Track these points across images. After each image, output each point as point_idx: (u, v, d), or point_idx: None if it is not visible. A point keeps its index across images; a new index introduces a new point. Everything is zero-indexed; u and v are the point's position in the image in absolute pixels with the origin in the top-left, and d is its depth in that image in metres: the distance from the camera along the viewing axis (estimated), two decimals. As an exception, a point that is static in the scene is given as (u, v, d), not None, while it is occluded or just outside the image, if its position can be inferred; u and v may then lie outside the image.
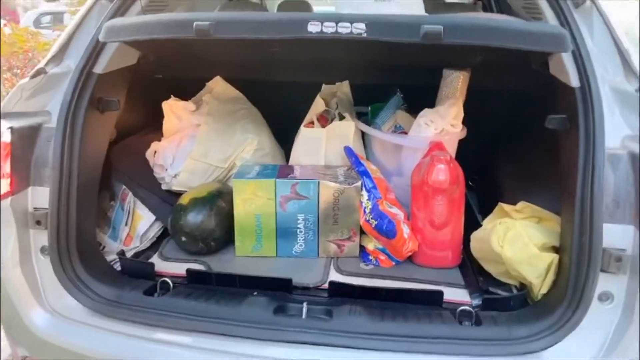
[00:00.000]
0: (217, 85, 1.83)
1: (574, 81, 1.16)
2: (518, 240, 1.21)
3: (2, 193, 1.23)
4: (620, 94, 1.15)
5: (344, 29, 1.10)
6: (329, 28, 1.11)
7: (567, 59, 1.19)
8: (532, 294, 1.22)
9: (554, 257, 1.17)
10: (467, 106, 1.62)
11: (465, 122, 1.61)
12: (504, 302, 1.22)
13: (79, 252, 1.27)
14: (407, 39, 1.10)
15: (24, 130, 1.24)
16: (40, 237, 1.26)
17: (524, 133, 1.63)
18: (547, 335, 1.05)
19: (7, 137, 1.21)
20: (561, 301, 1.08)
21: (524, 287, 1.26)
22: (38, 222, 1.25)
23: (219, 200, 1.54)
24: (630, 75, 1.18)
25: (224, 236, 1.53)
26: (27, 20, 9.49)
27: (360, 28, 1.10)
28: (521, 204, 1.35)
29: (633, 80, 1.17)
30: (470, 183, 1.92)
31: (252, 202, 1.48)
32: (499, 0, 1.99)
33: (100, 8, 1.42)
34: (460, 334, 1.09)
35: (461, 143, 1.64)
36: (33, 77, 1.33)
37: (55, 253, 1.23)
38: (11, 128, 1.22)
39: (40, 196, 1.25)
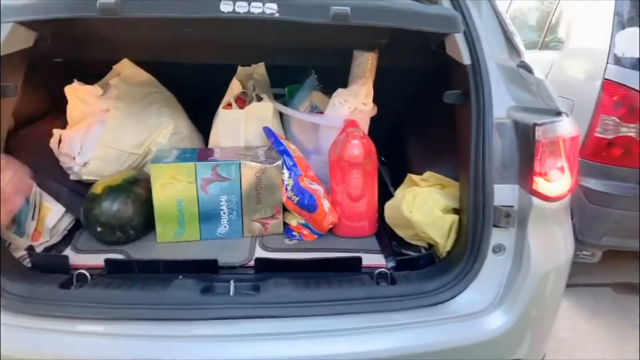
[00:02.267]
0: (126, 68, 1.75)
1: (466, 59, 1.30)
2: (424, 205, 1.34)
3: None
4: (505, 70, 1.30)
5: (257, 9, 1.12)
6: (242, 8, 1.12)
7: (460, 39, 1.32)
8: (438, 252, 1.36)
9: (455, 217, 1.32)
10: (377, 85, 1.72)
11: (376, 100, 1.72)
12: (414, 261, 1.35)
13: None
14: (318, 19, 1.15)
15: None
16: None
17: (428, 109, 1.77)
18: (451, 287, 1.19)
19: None
20: (462, 256, 1.22)
21: (431, 247, 1.39)
22: None
23: (135, 187, 1.49)
24: (513, 53, 1.33)
25: (143, 223, 1.49)
26: None
27: (272, 8, 1.13)
28: (427, 174, 1.49)
29: (515, 57, 1.32)
30: (383, 158, 2.06)
31: (172, 187, 1.45)
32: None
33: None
34: (377, 294, 1.19)
35: (373, 120, 1.75)
36: None
37: None
38: None
39: None
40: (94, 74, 1.74)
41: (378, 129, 1.73)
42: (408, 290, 1.20)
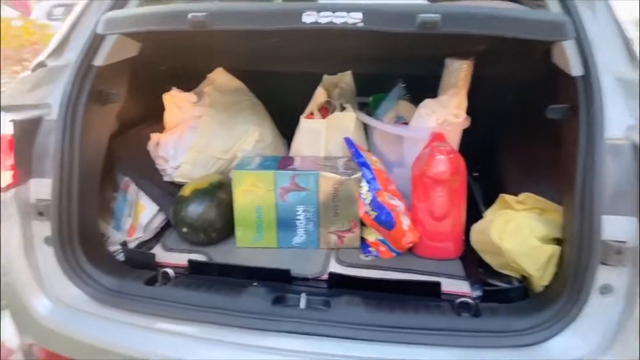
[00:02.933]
0: (219, 77, 1.83)
1: (576, 70, 1.14)
2: (518, 232, 1.20)
3: (5, 185, 1.25)
4: (624, 83, 1.12)
5: (340, 18, 1.09)
6: (324, 18, 1.10)
7: (568, 47, 1.17)
8: (532, 286, 1.21)
9: (555, 249, 1.16)
10: (471, 95, 1.60)
11: (469, 111, 1.59)
12: (503, 293, 1.21)
13: (82, 243, 1.29)
14: (404, 28, 1.09)
15: (25, 123, 1.25)
16: (44, 228, 1.28)
17: (528, 122, 1.60)
18: (546, 328, 1.04)
19: (9, 130, 1.23)
20: (561, 293, 1.07)
21: (524, 279, 1.24)
22: (40, 213, 1.26)
23: (219, 191, 1.55)
24: (634, 64, 1.15)
25: (225, 227, 1.53)
26: (39, 12, 9.58)
27: (356, 18, 1.09)
28: (523, 195, 1.33)
29: (636, 69, 1.13)
30: (475, 174, 1.91)
31: (252, 194, 1.48)
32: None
33: (101, 1, 1.42)
34: (458, 326, 1.09)
35: (465, 133, 1.62)
36: (34, 70, 1.34)
37: (57, 243, 1.25)
38: (13, 121, 1.23)
39: (42, 188, 1.27)
40: (190, 81, 1.85)
41: (470, 143, 1.60)
42: (495, 325, 1.08)
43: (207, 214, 1.50)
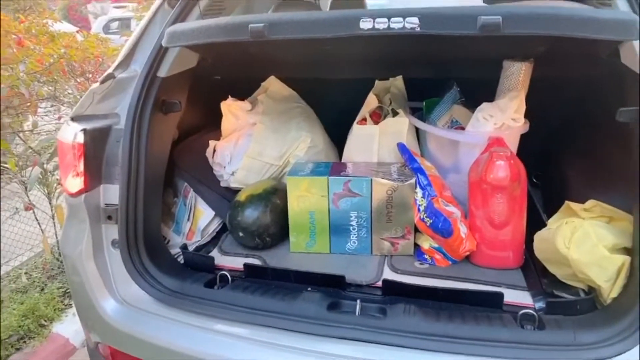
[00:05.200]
0: (272, 85, 1.87)
1: None
2: (586, 241, 1.14)
3: (76, 190, 1.33)
4: None
5: (397, 24, 1.09)
6: (381, 24, 1.10)
7: (639, 46, 1.10)
8: (600, 298, 1.14)
9: (626, 259, 1.09)
10: (529, 98, 1.54)
11: (527, 115, 1.54)
12: (569, 305, 1.15)
13: (146, 245, 1.36)
14: (464, 31, 1.07)
15: (96, 131, 1.34)
16: (111, 231, 1.35)
17: (592, 126, 1.52)
18: (616, 342, 0.98)
19: (80, 139, 1.31)
20: (632, 306, 1.00)
21: (592, 290, 1.18)
22: (109, 217, 1.34)
23: (273, 197, 1.58)
24: None
25: (279, 232, 1.56)
26: (98, 26, 10.19)
27: (413, 23, 1.08)
28: (590, 202, 1.26)
29: None
30: (534, 179, 1.83)
31: (305, 199, 1.50)
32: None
33: (163, 14, 1.49)
34: (521, 338, 1.04)
35: (524, 137, 1.56)
36: (103, 82, 1.43)
37: (124, 246, 1.32)
38: (84, 130, 1.31)
39: (111, 193, 1.35)
40: (244, 90, 1.90)
41: (529, 147, 1.55)
42: (561, 339, 1.03)
43: (261, 219, 1.53)
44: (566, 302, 1.18)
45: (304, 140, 1.73)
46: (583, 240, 1.14)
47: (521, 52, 1.56)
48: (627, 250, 1.13)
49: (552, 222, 1.30)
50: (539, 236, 1.30)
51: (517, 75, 1.53)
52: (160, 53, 1.40)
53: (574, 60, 1.50)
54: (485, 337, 1.06)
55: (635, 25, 1.03)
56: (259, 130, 1.74)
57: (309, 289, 1.29)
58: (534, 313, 1.12)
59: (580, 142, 1.62)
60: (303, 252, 1.54)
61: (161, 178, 1.46)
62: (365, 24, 1.10)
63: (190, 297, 1.27)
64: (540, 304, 1.20)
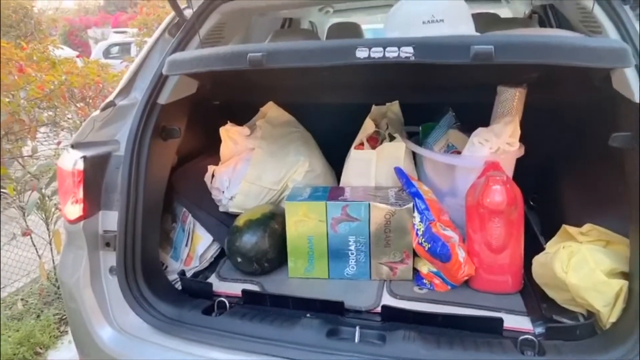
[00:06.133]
0: (270, 110, 1.90)
1: (638, 96, 1.10)
2: (584, 266, 1.14)
3: (75, 217, 1.33)
4: None
5: (392, 53, 1.12)
6: (377, 53, 1.12)
7: (630, 73, 1.13)
8: (600, 322, 1.14)
9: (624, 283, 1.09)
10: (525, 123, 1.56)
11: (523, 139, 1.56)
12: (569, 330, 1.15)
13: (144, 272, 1.35)
14: (457, 60, 1.09)
15: (95, 158, 1.35)
16: (109, 258, 1.35)
17: (587, 150, 1.54)
18: None
19: (80, 166, 1.32)
20: (632, 330, 1.00)
21: (591, 315, 1.18)
22: (107, 244, 1.34)
23: (272, 222, 1.58)
24: None
25: (277, 257, 1.56)
26: (98, 51, 10.34)
27: (408, 52, 1.11)
28: (587, 226, 1.27)
29: None
30: (532, 203, 1.84)
31: (304, 224, 1.50)
32: (556, 14, 1.93)
33: (163, 43, 1.53)
34: None
35: (520, 161, 1.58)
36: (103, 109, 1.45)
37: (122, 273, 1.32)
38: (84, 157, 1.33)
39: (109, 219, 1.35)
40: (243, 115, 1.92)
41: (526, 171, 1.56)
42: None
43: (260, 244, 1.53)
44: (566, 327, 1.17)
45: (302, 165, 1.74)
46: (580, 265, 1.14)
47: (515, 78, 1.59)
48: (624, 275, 1.14)
49: (549, 246, 1.30)
50: (537, 261, 1.30)
51: (511, 101, 1.56)
52: (160, 81, 1.43)
53: (567, 86, 1.53)
54: None
55: (626, 53, 1.06)
56: (257, 155, 1.76)
57: (308, 315, 1.28)
58: (534, 339, 1.11)
59: (575, 166, 1.64)
60: (302, 277, 1.53)
61: (160, 204, 1.47)
62: (361, 53, 1.13)
63: (188, 324, 1.26)
64: (540, 329, 1.20)
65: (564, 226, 1.31)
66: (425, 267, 1.44)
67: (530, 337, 1.12)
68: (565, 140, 1.71)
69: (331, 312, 1.31)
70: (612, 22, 1.25)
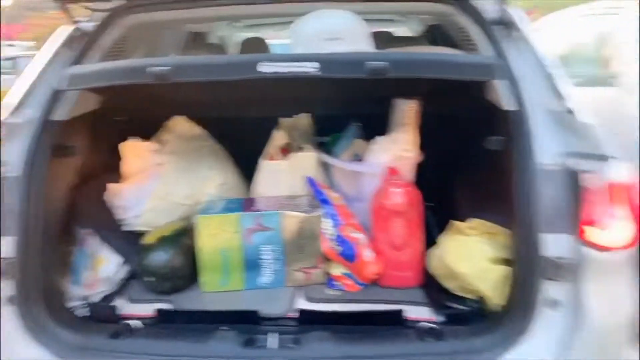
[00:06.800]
0: (179, 124, 1.87)
1: (508, 105, 1.27)
2: (470, 256, 1.28)
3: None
4: (552, 115, 1.25)
5: (296, 68, 1.18)
6: (282, 68, 1.19)
7: (500, 85, 1.31)
8: (488, 306, 1.28)
9: (506, 269, 1.25)
10: (423, 132, 1.71)
11: (422, 147, 1.70)
12: (462, 316, 1.28)
13: (45, 300, 1.26)
14: (356, 74, 1.19)
15: None
16: (8, 287, 1.24)
17: (473, 154, 1.73)
18: (502, 344, 1.11)
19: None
20: (514, 311, 1.14)
21: (481, 300, 1.32)
22: (5, 273, 1.23)
23: (184, 237, 1.56)
24: (559, 97, 1.29)
25: (192, 273, 1.53)
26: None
27: (311, 67, 1.18)
28: (474, 222, 1.43)
29: (561, 101, 1.28)
30: (432, 204, 2.01)
31: (217, 237, 1.50)
32: (443, 34, 2.14)
33: (59, 56, 1.45)
34: (422, 350, 1.14)
35: (421, 167, 1.72)
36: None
37: (22, 303, 1.22)
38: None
39: (7, 246, 1.24)
40: (149, 130, 1.88)
41: (426, 176, 1.71)
42: (456, 347, 1.14)
43: (172, 261, 1.50)
44: (460, 313, 1.30)
45: (215, 179, 1.74)
46: (468, 255, 1.28)
47: (409, 91, 1.75)
48: (507, 262, 1.29)
49: (441, 241, 1.44)
50: (431, 254, 1.44)
51: (406, 112, 1.70)
52: (56, 96, 1.36)
53: (454, 98, 1.71)
54: (390, 354, 1.14)
55: (494, 67, 1.23)
56: (167, 170, 1.73)
57: (224, 328, 1.28)
58: (433, 326, 1.22)
59: (464, 169, 1.83)
60: (217, 291, 1.53)
61: (59, 226, 1.39)
62: (267, 68, 1.18)
63: (95, 350, 1.20)
64: (439, 317, 1.31)
65: (453, 222, 1.46)
66: (337, 270, 1.51)
67: (430, 325, 1.23)
68: (455, 146, 1.90)
69: (247, 322, 1.32)
70: (487, 40, 1.44)
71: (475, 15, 1.48)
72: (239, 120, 1.95)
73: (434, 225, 1.87)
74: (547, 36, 3.72)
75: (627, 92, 2.56)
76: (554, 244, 1.11)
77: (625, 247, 1.11)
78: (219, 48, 2.49)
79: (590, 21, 3.27)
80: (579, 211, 1.09)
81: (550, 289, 1.11)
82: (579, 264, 1.09)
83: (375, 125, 1.78)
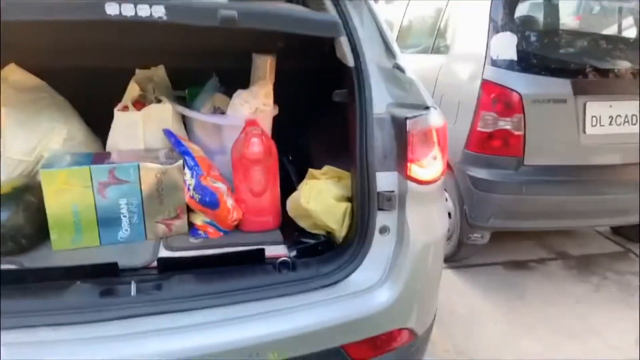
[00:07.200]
0: (13, 74, 1.66)
1: (351, 62, 1.43)
2: (320, 195, 1.44)
3: None
4: (384, 71, 1.44)
5: (144, 11, 1.15)
6: (128, 11, 1.15)
7: (345, 43, 1.45)
8: (335, 238, 1.46)
9: (348, 205, 1.44)
10: (280, 87, 1.80)
11: (280, 101, 1.80)
12: (313, 248, 1.45)
13: None
14: (206, 22, 1.21)
15: None
16: None
17: (325, 108, 1.89)
18: (345, 267, 1.30)
19: None
20: (354, 239, 1.34)
21: (329, 234, 1.50)
22: None
23: (26, 194, 1.43)
24: (390, 55, 1.48)
25: (37, 232, 1.43)
26: None
27: (159, 12, 1.16)
28: (325, 168, 1.60)
29: (392, 59, 1.47)
30: (290, 157, 2.14)
31: (66, 192, 1.42)
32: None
33: None
34: (278, 280, 1.27)
35: (279, 121, 1.82)
36: None
37: None
38: None
39: None
40: None
41: (284, 129, 1.81)
42: (307, 274, 1.29)
43: (13, 219, 1.38)
44: (311, 246, 1.47)
45: (59, 133, 1.61)
46: (318, 195, 1.44)
47: (266, 46, 1.81)
48: (350, 200, 1.48)
49: (299, 187, 1.58)
50: (290, 198, 1.57)
51: (264, 67, 1.77)
52: None
53: (307, 55, 1.82)
54: (251, 285, 1.24)
55: (339, 26, 1.36)
56: (1, 124, 1.54)
57: (79, 282, 1.25)
58: (288, 260, 1.36)
59: (318, 122, 1.98)
60: (69, 249, 1.45)
61: None
62: (111, 10, 1.13)
63: None
64: (294, 252, 1.46)
65: (310, 169, 1.61)
66: (199, 219, 1.56)
67: (286, 259, 1.36)
68: (310, 101, 2.04)
69: (105, 275, 1.30)
70: (332, 2, 1.56)
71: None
72: (90, 71, 1.80)
73: (296, 174, 2.02)
74: (398, 7, 4.10)
75: (455, 59, 2.98)
76: (385, 181, 1.32)
77: (437, 180, 1.37)
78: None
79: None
80: (404, 152, 1.30)
81: (382, 218, 1.32)
82: (403, 195, 1.31)
83: (235, 79, 1.82)
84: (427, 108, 1.35)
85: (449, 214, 2.84)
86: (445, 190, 2.83)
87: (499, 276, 2.87)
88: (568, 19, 4.07)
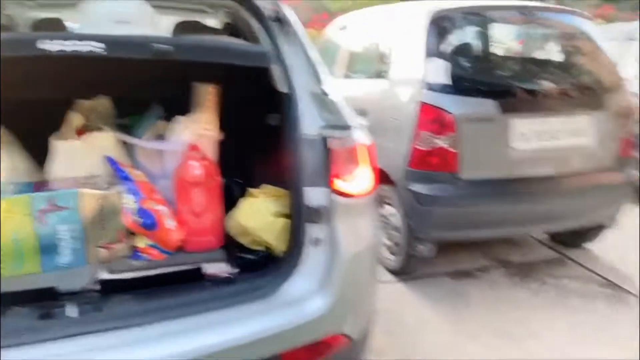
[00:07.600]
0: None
1: (283, 87, 1.54)
2: (257, 213, 1.53)
3: None
4: (314, 96, 1.56)
5: (83, 47, 1.23)
6: (66, 46, 1.22)
7: (277, 71, 1.57)
8: (274, 253, 1.54)
9: (285, 220, 1.52)
10: (227, 113, 1.88)
11: (228, 126, 1.88)
12: (253, 264, 1.52)
13: None
14: (142, 55, 1.30)
15: None
16: None
17: (265, 132, 2.00)
18: (280, 279, 1.37)
19: None
20: (289, 251, 1.42)
21: (268, 249, 1.58)
22: None
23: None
24: (318, 81, 1.61)
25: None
26: None
27: (98, 46, 1.25)
28: (264, 187, 1.69)
29: (319, 85, 1.60)
30: (237, 180, 2.22)
31: (6, 222, 1.43)
32: (236, 27, 2.36)
33: None
34: (214, 295, 1.34)
35: (227, 145, 1.89)
36: None
37: None
38: None
39: None
40: None
41: (231, 153, 1.89)
42: (242, 288, 1.36)
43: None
44: (250, 262, 1.54)
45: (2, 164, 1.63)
46: (256, 213, 1.53)
47: (207, 75, 1.91)
48: (287, 216, 1.57)
49: (237, 205, 1.66)
50: (229, 216, 1.65)
51: (205, 95, 1.86)
52: None
53: (246, 82, 1.93)
54: (190, 301, 1.30)
55: (267, 56, 1.47)
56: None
57: (17, 307, 1.27)
58: (229, 276, 1.43)
59: (257, 144, 2.08)
60: (9, 276, 1.46)
61: None
62: (46, 45, 1.20)
63: None
64: (235, 269, 1.53)
65: (249, 189, 1.70)
66: (142, 242, 1.60)
67: (226, 275, 1.43)
68: (250, 125, 2.14)
69: (44, 300, 1.32)
70: (267, 35, 1.68)
71: (256, 12, 1.72)
72: (33, 103, 1.84)
73: (239, 196, 2.09)
74: (352, 34, 4.30)
75: (396, 84, 3.18)
76: (315, 195, 1.42)
77: (366, 194, 1.48)
78: (6, 28, 2.26)
79: (381, 23, 3.90)
80: (330, 168, 1.41)
81: (314, 230, 1.41)
82: (332, 208, 1.42)
83: (177, 107, 1.89)
84: (349, 128, 1.47)
85: (397, 229, 2.97)
86: (391, 205, 2.98)
87: (446, 286, 3.01)
88: (512, 43, 4.44)
